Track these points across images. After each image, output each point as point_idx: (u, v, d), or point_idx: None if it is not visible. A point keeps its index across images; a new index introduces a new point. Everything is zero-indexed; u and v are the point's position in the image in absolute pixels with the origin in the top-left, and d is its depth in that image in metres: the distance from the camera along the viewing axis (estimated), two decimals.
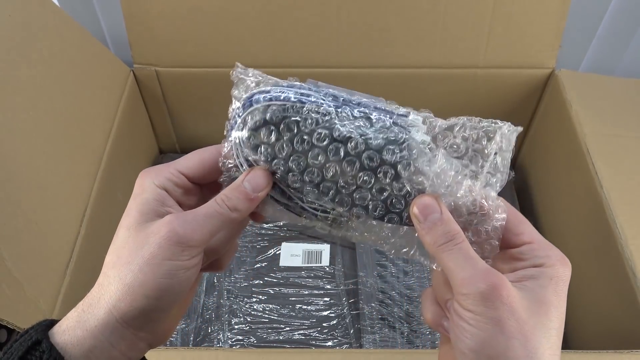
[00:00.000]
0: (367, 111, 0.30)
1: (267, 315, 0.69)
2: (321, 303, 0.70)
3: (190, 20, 0.72)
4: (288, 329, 0.68)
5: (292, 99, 0.30)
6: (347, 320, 0.68)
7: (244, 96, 0.31)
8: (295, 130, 0.30)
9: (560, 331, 0.27)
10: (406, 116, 0.31)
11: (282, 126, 0.30)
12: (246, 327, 0.68)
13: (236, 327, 0.68)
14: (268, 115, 0.30)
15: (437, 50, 0.73)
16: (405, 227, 0.32)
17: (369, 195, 0.31)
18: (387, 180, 0.30)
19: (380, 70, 0.76)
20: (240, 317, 0.69)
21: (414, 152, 0.30)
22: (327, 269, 0.73)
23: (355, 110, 0.30)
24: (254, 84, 0.32)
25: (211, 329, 0.68)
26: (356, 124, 0.30)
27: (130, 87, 0.77)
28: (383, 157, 0.30)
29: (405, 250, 0.32)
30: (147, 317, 0.29)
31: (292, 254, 0.75)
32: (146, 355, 0.32)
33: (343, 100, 0.31)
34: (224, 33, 0.73)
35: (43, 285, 0.52)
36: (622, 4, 0.81)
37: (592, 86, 0.73)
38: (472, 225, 0.30)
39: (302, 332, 0.67)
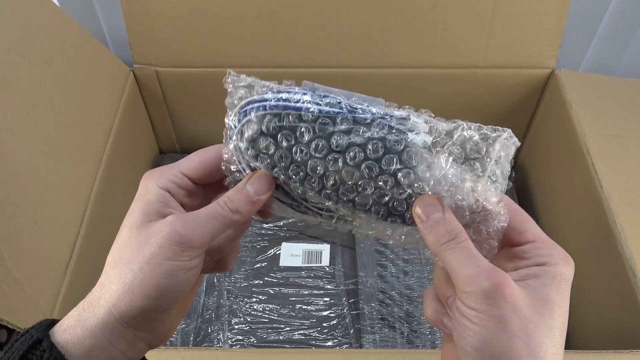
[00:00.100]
0: (365, 116, 0.29)
1: (267, 315, 0.69)
2: (321, 303, 0.70)
3: (190, 20, 0.72)
4: (288, 329, 0.68)
5: (288, 107, 0.30)
6: (347, 320, 0.68)
7: (238, 106, 0.31)
8: (293, 141, 0.30)
9: (563, 330, 0.27)
10: (406, 119, 0.30)
11: (279, 137, 0.30)
12: (246, 327, 0.68)
13: (236, 327, 0.68)
14: (264, 127, 0.30)
15: (437, 50, 0.73)
16: (409, 226, 0.32)
17: (370, 200, 0.31)
18: (388, 187, 0.30)
19: (380, 70, 0.76)
20: (240, 317, 0.69)
21: (413, 159, 0.29)
22: (327, 269, 0.73)
23: (353, 116, 0.29)
24: (247, 92, 0.31)
25: (211, 329, 0.68)
26: (354, 131, 0.29)
27: (130, 87, 0.77)
28: (382, 167, 0.29)
29: (410, 244, 0.32)
30: (147, 316, 0.29)
31: (292, 254, 0.75)
32: (146, 355, 0.32)
33: (340, 104, 0.30)
34: (224, 33, 0.73)
35: (43, 285, 0.52)
36: (622, 4, 0.81)
37: (592, 86, 0.73)
38: (474, 223, 0.30)
39: (302, 332, 0.67)
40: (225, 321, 0.68)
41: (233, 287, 0.72)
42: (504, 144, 0.30)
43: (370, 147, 0.29)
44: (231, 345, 0.66)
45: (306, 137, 0.30)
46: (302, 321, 0.68)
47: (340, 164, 0.30)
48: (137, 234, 0.29)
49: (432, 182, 0.30)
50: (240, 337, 0.67)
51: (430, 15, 0.70)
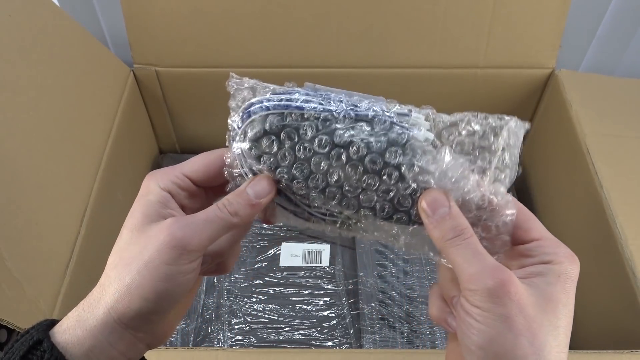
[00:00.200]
0: (367, 113, 0.30)
1: (267, 315, 0.69)
2: (321, 303, 0.70)
3: (190, 20, 0.72)
4: (288, 329, 0.68)
5: (290, 106, 0.30)
6: (347, 320, 0.68)
7: (242, 107, 0.31)
8: (296, 139, 0.30)
9: (568, 329, 0.27)
10: (408, 115, 0.30)
11: (282, 135, 0.30)
12: (246, 327, 0.68)
13: (236, 327, 0.68)
14: (267, 126, 0.30)
15: (437, 50, 0.73)
16: (414, 225, 0.31)
17: (375, 197, 0.30)
18: (392, 181, 0.30)
19: (380, 70, 0.76)
20: (240, 317, 0.69)
21: (417, 151, 0.29)
22: (327, 269, 0.73)
23: (355, 113, 0.30)
24: (250, 94, 0.31)
25: (211, 329, 0.68)
26: (357, 127, 0.30)
27: (130, 87, 0.77)
28: (386, 160, 0.29)
29: (416, 246, 0.32)
30: (145, 318, 0.29)
31: (292, 254, 0.75)
32: (146, 355, 0.32)
33: (342, 102, 0.30)
34: (224, 33, 0.73)
35: (43, 285, 0.52)
36: (622, 4, 0.81)
37: (592, 86, 0.73)
38: (481, 220, 0.30)
39: (302, 332, 0.67)
40: (225, 321, 0.68)
41: (233, 287, 0.72)
42: (512, 132, 0.30)
43: (373, 141, 0.29)
44: (231, 345, 0.66)
45: (309, 134, 0.30)
46: (302, 321, 0.68)
47: (343, 158, 0.30)
48: (137, 236, 0.29)
49: (437, 174, 0.29)
50: (240, 337, 0.67)
51: (430, 15, 0.70)
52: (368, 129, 0.30)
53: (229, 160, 0.32)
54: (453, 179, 0.29)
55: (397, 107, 0.31)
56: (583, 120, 0.68)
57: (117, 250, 0.30)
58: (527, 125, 0.31)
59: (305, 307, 0.70)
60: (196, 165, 0.32)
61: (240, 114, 0.31)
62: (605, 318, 0.61)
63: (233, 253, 0.35)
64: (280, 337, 0.67)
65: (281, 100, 0.30)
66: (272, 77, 0.76)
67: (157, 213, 0.30)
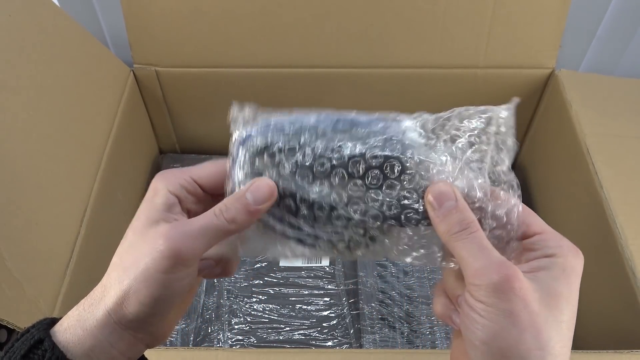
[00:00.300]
0: (362, 120, 0.31)
1: (267, 315, 0.69)
2: (321, 303, 0.70)
3: (190, 20, 0.72)
4: (288, 329, 0.68)
5: (291, 122, 0.31)
6: (347, 320, 0.68)
7: (242, 133, 0.32)
8: (297, 148, 0.31)
9: (572, 324, 0.27)
10: (399, 121, 0.31)
11: (283, 147, 0.31)
12: (246, 327, 0.68)
13: (236, 327, 0.68)
14: (268, 140, 0.31)
15: (437, 50, 0.73)
16: (425, 224, 0.31)
17: (381, 195, 0.30)
18: (395, 173, 0.30)
19: (380, 70, 0.76)
20: (240, 317, 0.69)
21: (414, 146, 0.30)
22: (327, 269, 0.73)
23: (351, 119, 0.31)
24: (249, 120, 0.32)
25: (211, 329, 0.68)
26: (354, 130, 0.30)
27: (130, 87, 0.77)
28: (386, 154, 0.30)
29: (428, 260, 0.32)
30: (143, 321, 0.29)
31: None
32: (146, 355, 0.32)
33: (336, 115, 0.31)
34: (224, 33, 0.73)
35: (43, 285, 0.52)
36: (622, 4, 0.81)
37: (592, 86, 0.73)
38: (486, 212, 0.30)
39: (302, 332, 0.67)
40: (225, 321, 0.68)
41: (233, 287, 0.72)
42: (501, 118, 0.31)
43: (371, 139, 0.30)
44: (231, 345, 0.66)
45: (310, 141, 0.30)
46: (302, 321, 0.68)
47: (345, 156, 0.30)
48: (137, 239, 0.29)
49: (435, 176, 0.30)
50: (240, 337, 0.67)
51: (430, 15, 0.70)
52: (365, 129, 0.31)
53: (229, 187, 0.32)
54: (451, 178, 0.30)
55: (388, 115, 0.32)
56: (583, 120, 0.68)
57: (120, 252, 0.30)
58: (511, 106, 0.32)
59: (305, 307, 0.70)
60: (206, 170, 0.32)
61: (240, 139, 0.32)
62: (605, 318, 0.61)
63: (236, 256, 0.35)
64: (280, 337, 0.67)
65: (278, 126, 0.31)
66: (272, 77, 0.76)
67: (160, 217, 0.30)
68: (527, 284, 0.26)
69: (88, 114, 0.66)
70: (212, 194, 0.33)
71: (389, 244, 0.32)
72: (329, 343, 0.66)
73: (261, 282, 0.72)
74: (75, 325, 0.29)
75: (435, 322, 0.68)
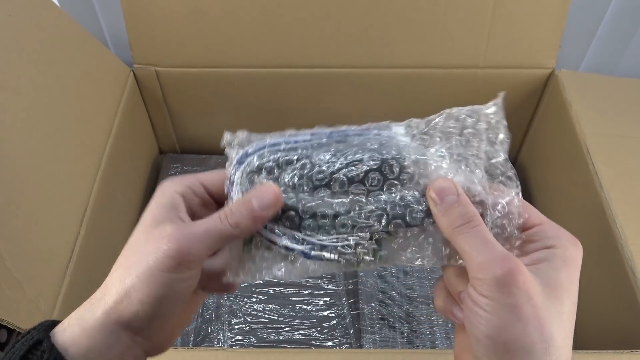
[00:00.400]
0: (354, 130, 0.32)
1: (267, 315, 0.69)
2: (321, 303, 0.70)
3: (190, 20, 0.72)
4: (288, 329, 0.68)
5: (285, 140, 0.32)
6: (347, 320, 0.68)
7: (238, 152, 0.32)
8: (295, 161, 0.31)
9: (572, 315, 0.27)
10: (388, 127, 0.32)
11: (280, 161, 0.31)
12: (246, 327, 0.68)
13: (236, 327, 0.68)
14: (264, 159, 0.31)
15: (437, 50, 0.73)
16: (429, 221, 0.31)
17: (384, 197, 0.30)
18: (394, 174, 0.30)
19: (380, 70, 0.76)
20: (240, 317, 0.69)
21: (409, 148, 0.30)
22: None
23: (344, 130, 0.32)
24: (244, 142, 0.33)
25: (211, 329, 0.68)
26: (349, 139, 0.31)
27: (130, 87, 0.77)
28: (383, 157, 0.30)
29: (431, 256, 0.31)
30: (143, 321, 0.29)
31: None
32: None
33: (330, 134, 0.32)
34: (224, 33, 0.73)
35: (43, 285, 0.52)
36: (622, 4, 0.81)
37: (592, 86, 0.73)
38: (487, 205, 0.30)
39: (302, 332, 0.67)
40: (225, 321, 0.68)
41: None
42: (491, 113, 0.32)
43: (366, 145, 0.31)
44: (231, 345, 0.66)
45: (306, 153, 0.31)
46: (302, 321, 0.68)
47: (343, 163, 0.30)
48: (143, 239, 0.30)
49: (433, 175, 0.30)
50: (240, 337, 0.67)
51: (430, 15, 0.70)
52: (359, 137, 0.32)
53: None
54: (450, 175, 0.30)
55: (382, 127, 0.33)
56: (583, 120, 0.68)
57: (125, 252, 0.30)
58: (498, 100, 0.32)
59: (305, 307, 0.70)
60: (215, 176, 0.33)
61: (235, 162, 0.32)
62: (605, 318, 0.61)
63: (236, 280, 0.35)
64: (280, 337, 0.67)
65: (274, 146, 0.32)
66: (272, 77, 0.76)
67: (165, 217, 0.30)
68: (530, 277, 0.27)
69: (88, 114, 0.66)
70: (219, 201, 0.33)
71: (396, 247, 0.31)
72: (329, 343, 0.66)
73: (261, 282, 0.72)
74: (74, 324, 0.29)
75: (435, 322, 0.68)
